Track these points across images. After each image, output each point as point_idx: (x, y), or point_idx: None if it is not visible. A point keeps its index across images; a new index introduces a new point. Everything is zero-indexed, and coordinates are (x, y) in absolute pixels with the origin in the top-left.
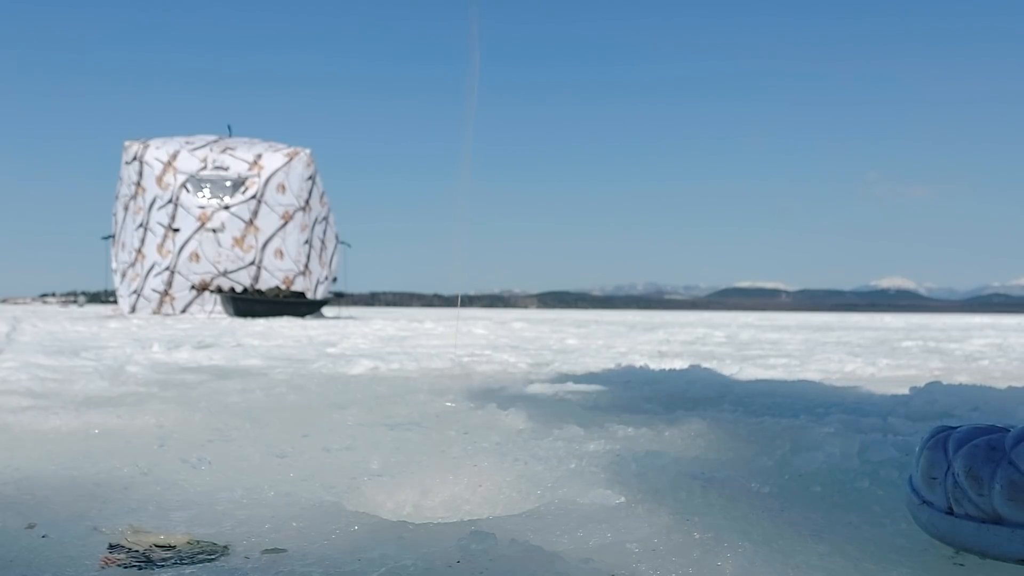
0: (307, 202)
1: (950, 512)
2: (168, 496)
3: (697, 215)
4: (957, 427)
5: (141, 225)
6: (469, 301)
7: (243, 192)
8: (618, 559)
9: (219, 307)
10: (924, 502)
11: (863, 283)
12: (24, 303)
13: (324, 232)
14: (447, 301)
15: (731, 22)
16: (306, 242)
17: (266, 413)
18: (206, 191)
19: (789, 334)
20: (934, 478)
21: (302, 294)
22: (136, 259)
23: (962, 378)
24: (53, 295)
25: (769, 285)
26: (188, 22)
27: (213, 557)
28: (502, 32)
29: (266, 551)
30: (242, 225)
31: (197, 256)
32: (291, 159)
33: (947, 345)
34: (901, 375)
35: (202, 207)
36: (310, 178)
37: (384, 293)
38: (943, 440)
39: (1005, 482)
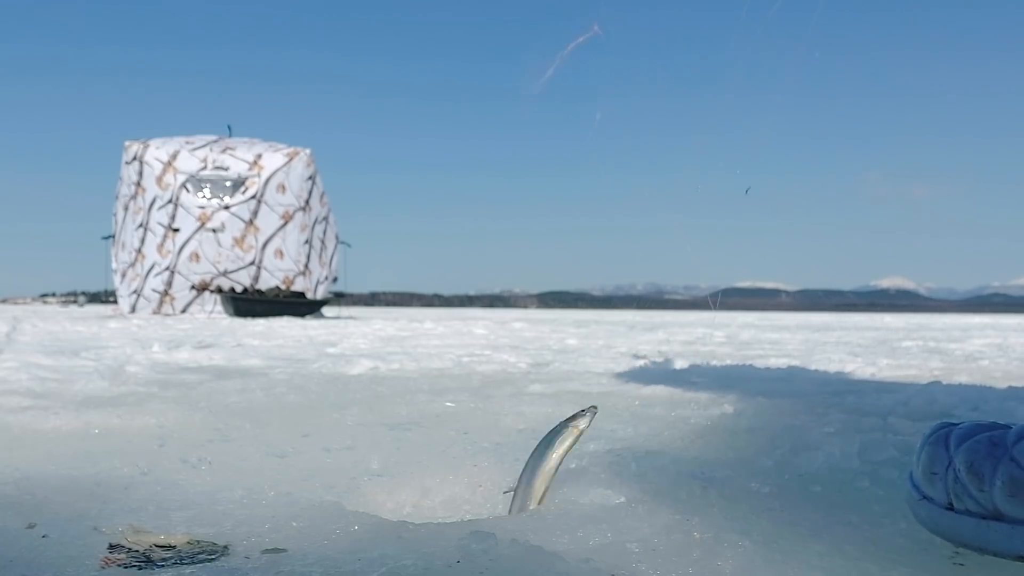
0: (307, 202)
1: (950, 508)
2: (168, 496)
3: (698, 214)
4: (959, 423)
5: (141, 225)
6: (469, 301)
7: (243, 192)
8: (618, 559)
9: (219, 307)
10: (924, 497)
11: (863, 283)
12: (24, 303)
13: (324, 232)
14: (447, 301)
15: (727, 17)
16: (306, 242)
17: (266, 413)
18: (206, 191)
19: (789, 334)
20: (935, 473)
21: (302, 294)
22: (136, 259)
23: (962, 378)
24: (53, 295)
25: (769, 285)
26: (188, 21)
27: (213, 557)
28: (490, 17)
29: (266, 551)
30: (242, 225)
31: (197, 256)
32: (291, 159)
33: (947, 345)
34: (901, 375)
35: (202, 207)
36: (310, 178)
37: (384, 293)
38: (945, 436)
39: (1006, 478)
